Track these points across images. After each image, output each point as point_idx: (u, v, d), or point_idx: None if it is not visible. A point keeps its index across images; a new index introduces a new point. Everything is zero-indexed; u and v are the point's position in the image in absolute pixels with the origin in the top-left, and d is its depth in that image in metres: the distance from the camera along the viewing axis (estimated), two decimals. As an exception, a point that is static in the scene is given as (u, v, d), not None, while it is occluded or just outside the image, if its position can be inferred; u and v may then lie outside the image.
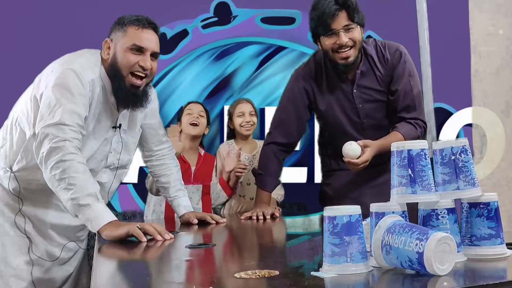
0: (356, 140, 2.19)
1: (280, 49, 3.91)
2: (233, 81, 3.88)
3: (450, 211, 1.31)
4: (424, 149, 1.33)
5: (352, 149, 2.14)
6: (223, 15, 3.86)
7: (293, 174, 3.76)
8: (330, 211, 1.20)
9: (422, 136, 2.34)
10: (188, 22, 3.83)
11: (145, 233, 1.72)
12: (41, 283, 2.08)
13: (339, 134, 2.36)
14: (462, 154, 1.33)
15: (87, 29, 3.23)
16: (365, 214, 1.25)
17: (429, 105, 3.01)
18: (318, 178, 3.16)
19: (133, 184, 3.70)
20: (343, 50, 2.22)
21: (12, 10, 3.58)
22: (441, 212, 1.30)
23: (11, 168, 2.03)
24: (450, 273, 1.11)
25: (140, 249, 1.63)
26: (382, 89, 2.34)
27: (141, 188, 3.50)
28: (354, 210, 1.19)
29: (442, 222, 1.29)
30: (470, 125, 3.98)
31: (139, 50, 1.95)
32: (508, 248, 1.31)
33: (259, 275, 1.16)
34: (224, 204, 3.01)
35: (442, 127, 3.85)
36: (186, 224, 2.22)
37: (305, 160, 3.84)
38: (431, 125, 2.98)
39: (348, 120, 2.37)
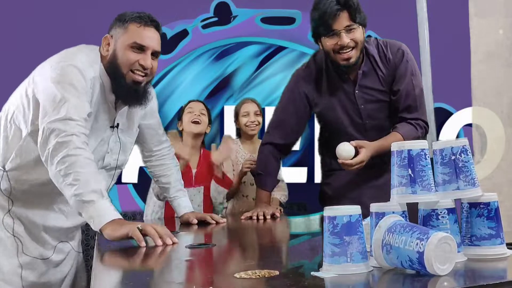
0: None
1: (280, 49, 3.91)
2: (233, 81, 3.88)
3: (450, 211, 1.31)
4: (424, 149, 1.33)
5: (346, 150, 2.13)
6: (223, 15, 3.86)
7: (293, 174, 3.77)
8: (330, 211, 1.20)
9: (423, 136, 2.33)
10: (188, 22, 3.83)
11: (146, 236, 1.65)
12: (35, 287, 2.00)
13: (341, 135, 2.33)
14: (462, 154, 1.33)
15: (86, 28, 3.20)
16: (365, 214, 1.25)
17: (429, 105, 3.01)
18: (318, 178, 3.16)
19: (133, 184, 3.70)
20: (344, 51, 2.20)
21: (9, 4, 3.58)
22: (441, 212, 1.30)
23: (3, 167, 1.95)
24: (450, 273, 1.11)
25: (141, 250, 1.62)
26: (384, 89, 2.32)
27: (141, 188, 3.51)
28: (354, 210, 1.19)
29: (442, 222, 1.29)
30: (470, 125, 3.98)
31: (140, 48, 1.89)
32: (508, 248, 1.31)
33: (259, 275, 1.16)
34: (226, 199, 2.97)
35: (442, 127, 3.85)
36: (186, 224, 2.22)
37: (305, 160, 3.85)
38: (431, 125, 2.98)
39: (350, 121, 2.35)
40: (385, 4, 3.73)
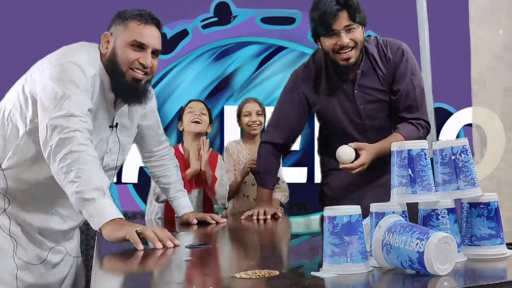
0: (357, 142, 2.18)
1: (280, 49, 3.91)
2: (233, 81, 3.88)
3: (450, 211, 1.31)
4: (424, 149, 1.33)
5: (346, 153, 2.10)
6: (223, 15, 3.86)
7: (293, 174, 3.77)
8: (330, 211, 1.20)
9: (425, 136, 2.31)
10: (188, 22, 3.83)
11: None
12: None
13: (340, 135, 2.33)
14: (462, 154, 1.33)
15: (85, 26, 3.21)
16: (365, 214, 1.25)
17: (429, 105, 3.00)
18: (318, 178, 3.16)
19: (133, 184, 3.70)
20: (344, 51, 2.19)
21: (7, 2, 3.58)
22: (441, 212, 1.30)
23: (0, 165, 1.91)
24: (450, 273, 1.11)
25: (140, 251, 1.60)
26: (384, 89, 2.31)
27: (141, 188, 3.51)
28: (354, 210, 1.19)
29: (442, 222, 1.29)
30: (470, 125, 3.98)
31: (140, 46, 1.85)
32: (508, 248, 1.31)
33: (259, 275, 1.16)
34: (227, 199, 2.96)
35: (442, 127, 3.85)
36: (186, 224, 2.22)
37: (305, 160, 3.85)
38: (431, 125, 2.98)
39: (350, 122, 2.34)
40: (385, 4, 3.73)
